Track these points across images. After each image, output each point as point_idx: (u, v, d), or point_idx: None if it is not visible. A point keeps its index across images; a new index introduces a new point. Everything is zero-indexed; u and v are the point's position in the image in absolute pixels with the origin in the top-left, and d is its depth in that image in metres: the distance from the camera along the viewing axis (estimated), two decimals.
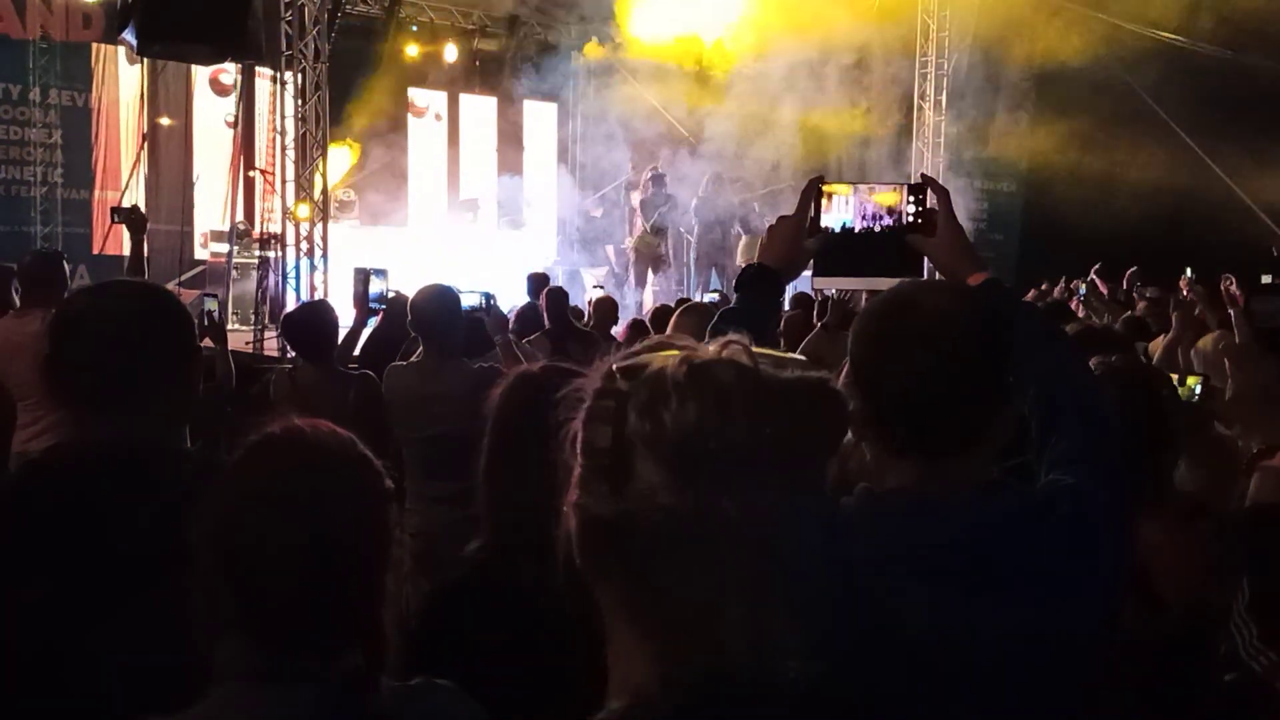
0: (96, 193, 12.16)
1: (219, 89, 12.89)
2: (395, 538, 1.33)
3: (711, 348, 0.89)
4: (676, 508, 0.84)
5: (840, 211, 1.76)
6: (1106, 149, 10.92)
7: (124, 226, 4.53)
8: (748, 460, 0.84)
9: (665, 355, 0.89)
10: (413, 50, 14.48)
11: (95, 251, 11.82)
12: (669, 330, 4.17)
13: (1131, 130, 10.94)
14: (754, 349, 0.89)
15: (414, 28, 14.48)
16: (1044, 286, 9.69)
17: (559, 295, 6.50)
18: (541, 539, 1.71)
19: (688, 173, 12.77)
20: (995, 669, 1.31)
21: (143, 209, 4.84)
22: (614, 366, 0.90)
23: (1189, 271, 8.00)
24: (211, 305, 4.64)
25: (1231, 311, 4.10)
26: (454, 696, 1.35)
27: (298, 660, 1.22)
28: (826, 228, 1.75)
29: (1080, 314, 7.39)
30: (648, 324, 6.30)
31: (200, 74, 12.56)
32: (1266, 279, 9.20)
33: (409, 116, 14.82)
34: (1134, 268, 9.17)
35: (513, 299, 7.92)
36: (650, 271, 12.70)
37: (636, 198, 13.05)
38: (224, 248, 11.50)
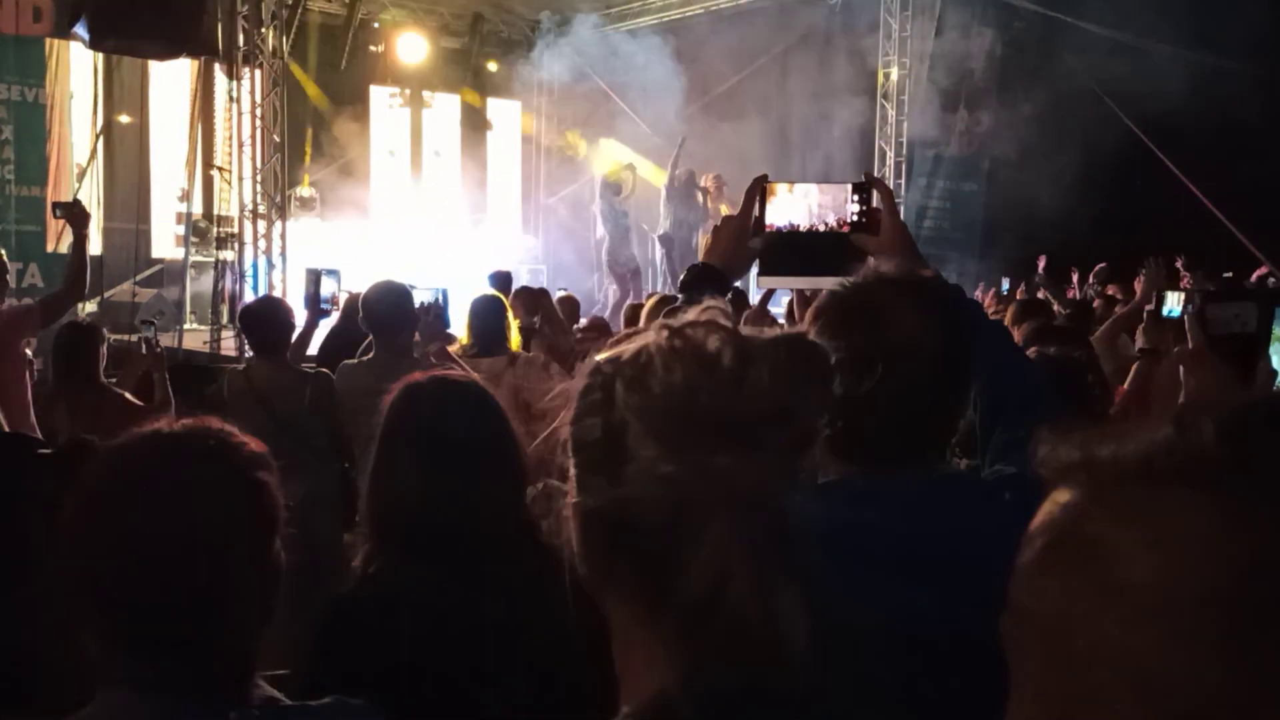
0: (50, 190, 11.94)
1: None
2: (277, 530, 1.25)
3: (689, 314, 0.89)
4: (675, 475, 0.84)
5: (786, 210, 1.75)
6: (1067, 149, 11.01)
7: (66, 222, 4.47)
8: (738, 417, 0.84)
9: (644, 334, 0.90)
10: (374, 47, 14.38)
11: (49, 249, 11.61)
12: (643, 323, 4.15)
13: (1093, 131, 11.04)
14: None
15: (375, 25, 14.38)
16: (1006, 289, 9.79)
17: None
18: (427, 548, 1.73)
19: (651, 169, 12.74)
20: (945, 656, 1.30)
21: (100, 206, 4.90)
22: (596, 359, 0.91)
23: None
24: (149, 333, 4.81)
25: (1185, 317, 4.12)
26: (368, 717, 1.30)
27: (172, 667, 1.17)
28: (771, 226, 1.74)
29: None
30: (606, 320, 6.27)
31: (156, 70, 12.37)
32: (1228, 275, 9.33)
33: (370, 113, 14.71)
34: (1102, 264, 9.28)
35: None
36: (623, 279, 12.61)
37: (597, 205, 12.91)
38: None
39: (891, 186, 10.62)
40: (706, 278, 1.72)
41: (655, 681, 0.86)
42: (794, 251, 1.74)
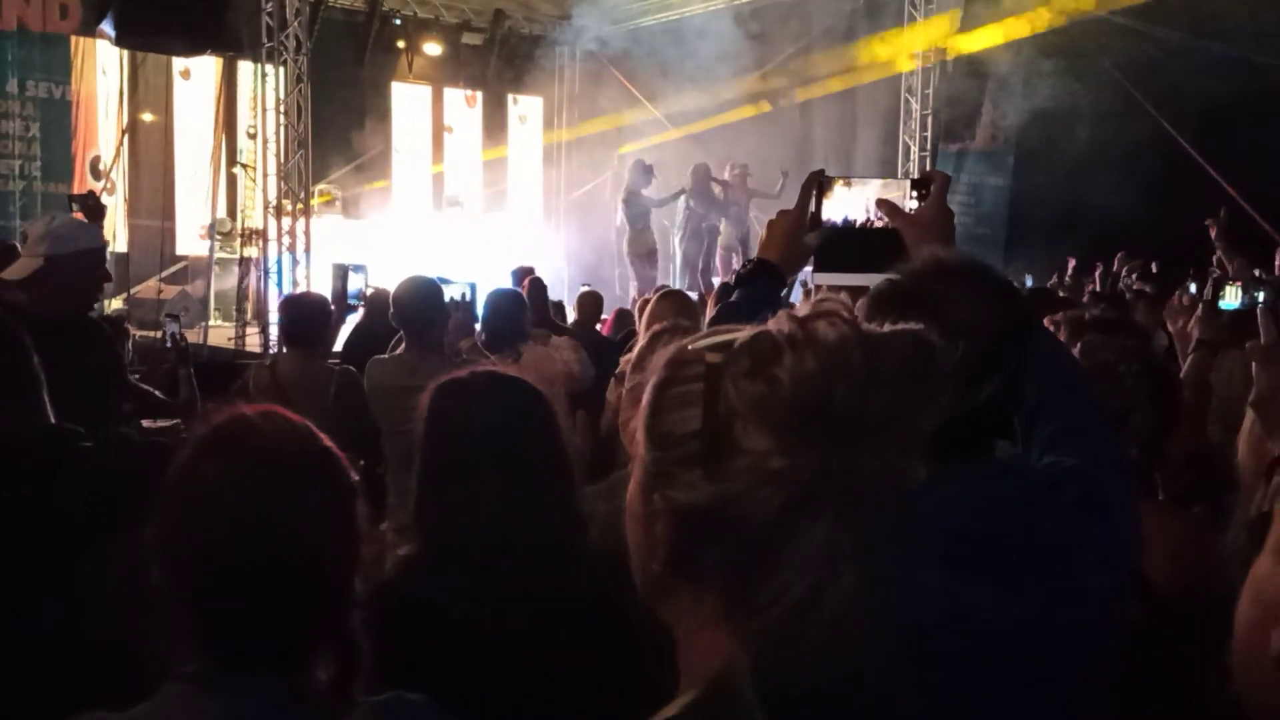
0: (76, 187, 12.02)
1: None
2: (364, 536, 1.24)
3: (808, 307, 0.85)
4: (792, 470, 0.79)
5: (842, 206, 1.73)
6: (1095, 144, 10.91)
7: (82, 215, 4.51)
8: (866, 414, 0.80)
9: (746, 329, 0.85)
10: (396, 44, 14.42)
11: None
12: (646, 317, 4.12)
13: (1122, 125, 10.93)
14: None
15: (397, 21, 14.40)
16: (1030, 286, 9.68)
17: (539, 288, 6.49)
18: (471, 547, 1.71)
19: (673, 165, 12.71)
20: (1005, 654, 1.27)
21: (124, 203, 4.91)
22: (691, 348, 0.85)
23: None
24: (174, 327, 4.73)
25: (1258, 312, 4.07)
26: (427, 712, 1.27)
27: (252, 672, 1.15)
28: (828, 221, 1.72)
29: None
30: (633, 312, 6.26)
31: (180, 67, 12.43)
32: (1258, 272, 9.20)
33: (392, 110, 14.74)
34: (1121, 253, 9.15)
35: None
36: (645, 267, 12.57)
37: (619, 199, 12.86)
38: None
39: None
40: (762, 272, 1.71)
41: (720, 668, 0.82)
42: (850, 247, 1.71)
